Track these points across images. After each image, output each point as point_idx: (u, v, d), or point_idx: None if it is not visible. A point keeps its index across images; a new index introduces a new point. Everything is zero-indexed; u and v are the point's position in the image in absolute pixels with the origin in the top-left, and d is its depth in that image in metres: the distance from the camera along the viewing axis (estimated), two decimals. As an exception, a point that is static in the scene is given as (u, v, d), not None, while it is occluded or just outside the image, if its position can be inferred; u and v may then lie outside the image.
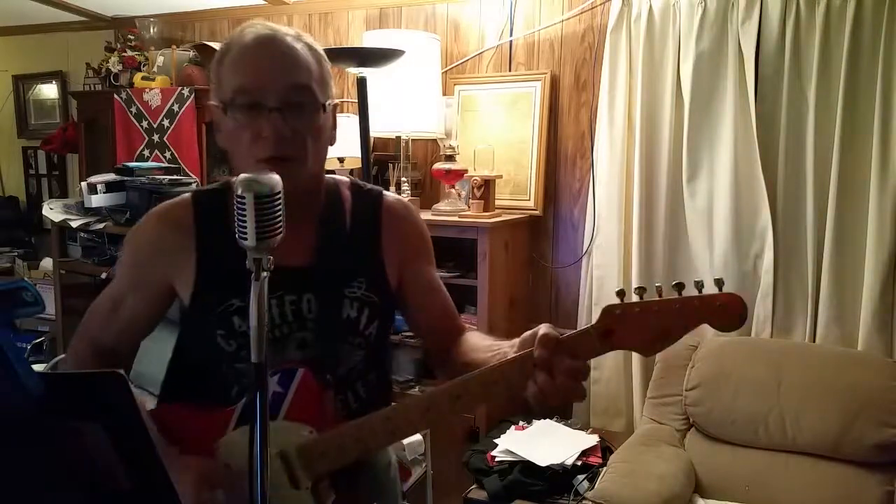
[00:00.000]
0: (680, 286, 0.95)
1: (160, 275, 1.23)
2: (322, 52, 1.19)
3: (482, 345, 1.18)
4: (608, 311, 0.97)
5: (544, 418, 2.76)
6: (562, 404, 0.99)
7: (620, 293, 0.97)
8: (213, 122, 1.19)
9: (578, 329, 0.98)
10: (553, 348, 0.96)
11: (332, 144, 1.24)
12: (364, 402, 1.23)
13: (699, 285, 0.96)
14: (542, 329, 0.98)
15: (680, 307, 0.95)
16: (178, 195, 1.29)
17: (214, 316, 1.18)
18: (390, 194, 1.33)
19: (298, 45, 1.15)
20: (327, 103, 1.17)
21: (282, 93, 1.11)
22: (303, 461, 1.08)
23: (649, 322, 0.96)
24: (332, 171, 3.07)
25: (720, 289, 0.95)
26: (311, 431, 1.09)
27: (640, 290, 0.97)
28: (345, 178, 1.33)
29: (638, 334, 0.97)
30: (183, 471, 1.05)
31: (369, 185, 1.33)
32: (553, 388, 0.96)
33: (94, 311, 1.28)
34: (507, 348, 1.07)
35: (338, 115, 1.30)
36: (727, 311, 0.95)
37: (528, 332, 1.00)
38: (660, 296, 0.96)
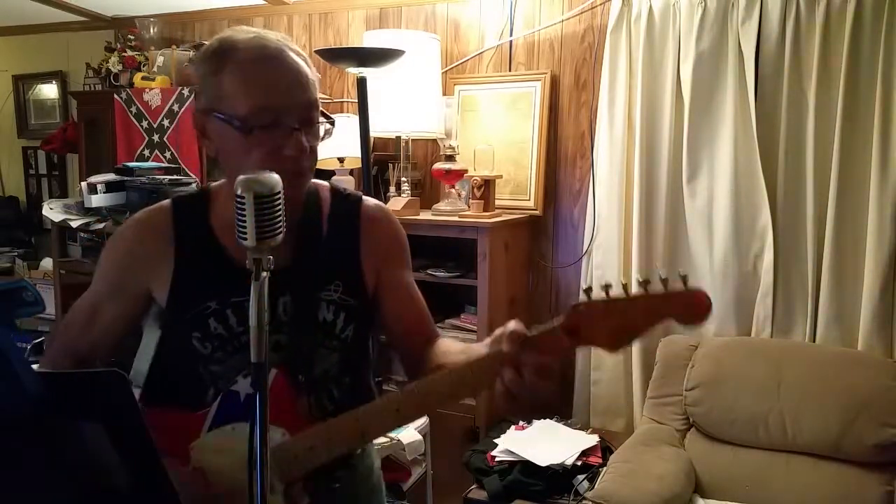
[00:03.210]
0: (646, 283, 0.96)
1: (138, 280, 1.23)
2: (307, 58, 1.20)
3: (454, 349, 1.19)
4: (574, 308, 0.97)
5: (542, 418, 2.76)
6: (530, 403, 0.98)
7: (588, 290, 0.97)
8: (202, 130, 1.18)
9: (546, 326, 0.99)
10: (521, 345, 0.97)
11: None
12: (339, 403, 1.22)
13: (664, 281, 0.96)
14: (511, 325, 0.99)
15: (644, 304, 0.96)
16: (177, 195, 1.28)
17: (190, 318, 1.18)
18: (370, 200, 1.33)
19: (299, 59, 1.15)
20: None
21: (301, 111, 1.13)
22: (275, 465, 1.07)
23: (615, 319, 0.96)
24: (333, 172, 3.08)
25: (685, 284, 0.95)
26: (284, 433, 1.10)
27: (606, 288, 0.97)
28: (324, 183, 1.32)
29: (604, 331, 0.97)
30: None
31: (349, 191, 1.33)
32: (520, 386, 0.97)
33: (71, 320, 1.28)
34: (479, 348, 1.07)
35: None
36: (691, 307, 0.96)
37: (498, 330, 1.01)
38: (626, 292, 0.96)
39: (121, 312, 1.25)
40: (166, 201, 1.27)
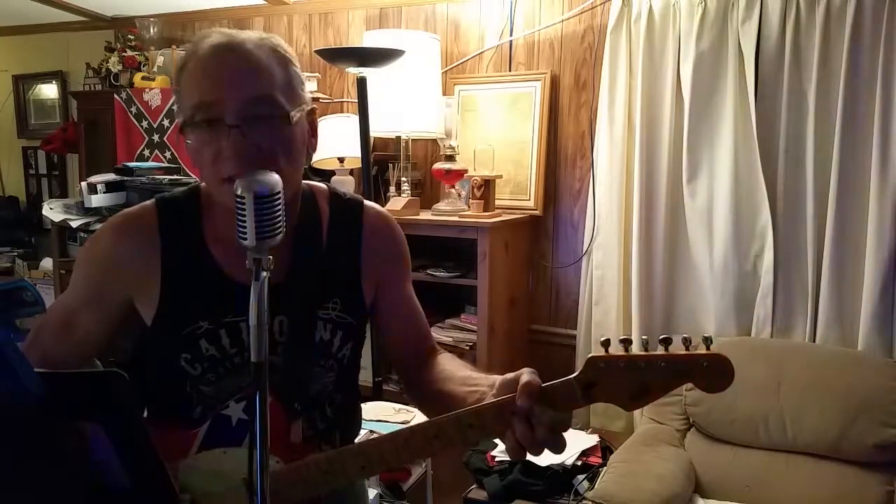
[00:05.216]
0: (667, 341, 0.93)
1: (119, 292, 1.12)
2: (290, 55, 1.08)
3: (458, 376, 1.11)
4: (592, 362, 0.93)
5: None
6: (538, 455, 0.95)
7: (605, 343, 0.94)
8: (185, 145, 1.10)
9: (560, 379, 0.94)
10: (535, 398, 0.91)
11: (313, 152, 1.14)
12: (331, 421, 1.18)
13: (686, 342, 0.94)
14: (525, 376, 0.93)
15: (666, 365, 0.93)
16: (163, 196, 1.17)
17: (179, 339, 1.09)
18: (371, 205, 1.25)
19: (260, 52, 1.04)
20: (293, 113, 1.05)
21: (240, 107, 1.00)
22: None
23: (633, 378, 0.93)
24: (333, 173, 3.08)
25: (708, 347, 0.93)
26: (278, 461, 1.04)
27: (626, 342, 0.94)
28: (322, 187, 1.24)
29: (621, 389, 0.93)
30: None
31: (349, 195, 1.24)
32: (532, 440, 0.92)
33: (45, 325, 1.17)
34: (486, 388, 1.01)
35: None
36: (713, 373, 0.94)
37: (511, 375, 0.95)
38: (646, 349, 0.93)
39: (99, 324, 1.14)
40: (150, 203, 1.15)
